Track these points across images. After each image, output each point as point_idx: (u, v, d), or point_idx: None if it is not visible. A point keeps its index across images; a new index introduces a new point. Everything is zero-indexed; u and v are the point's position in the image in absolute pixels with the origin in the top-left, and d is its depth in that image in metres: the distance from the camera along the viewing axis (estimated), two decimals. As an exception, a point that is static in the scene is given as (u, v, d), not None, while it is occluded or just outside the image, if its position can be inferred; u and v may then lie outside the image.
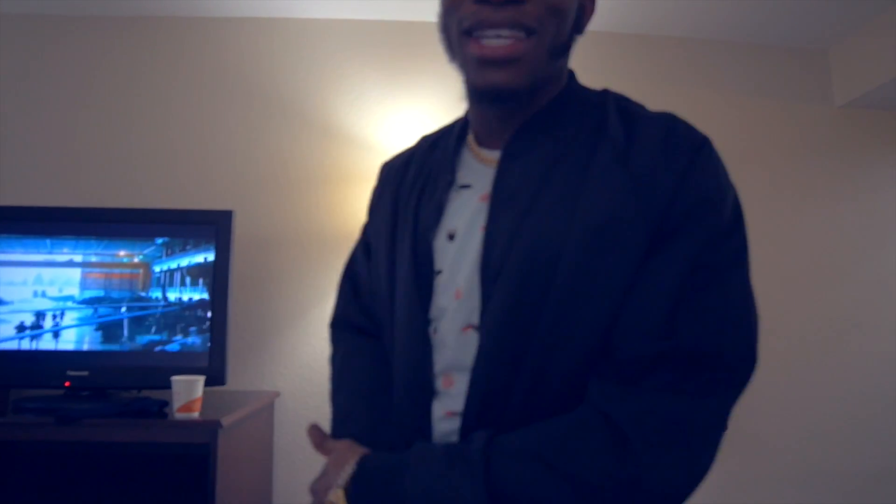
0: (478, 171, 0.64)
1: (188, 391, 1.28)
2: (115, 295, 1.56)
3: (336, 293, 0.87)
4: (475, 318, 0.59)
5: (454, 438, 0.59)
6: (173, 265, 1.59)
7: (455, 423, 0.59)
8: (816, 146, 2.25)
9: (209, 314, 1.55)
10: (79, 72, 1.98)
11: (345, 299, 0.84)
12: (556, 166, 0.58)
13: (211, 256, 1.59)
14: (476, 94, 0.61)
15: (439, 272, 0.63)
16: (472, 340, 0.58)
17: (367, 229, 0.82)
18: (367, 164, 1.99)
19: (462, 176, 0.66)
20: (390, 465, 0.56)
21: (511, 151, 0.61)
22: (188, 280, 1.58)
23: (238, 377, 1.82)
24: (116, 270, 1.57)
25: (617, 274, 0.53)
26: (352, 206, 1.96)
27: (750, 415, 2.01)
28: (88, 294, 1.55)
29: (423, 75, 2.06)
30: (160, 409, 1.34)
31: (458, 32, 0.58)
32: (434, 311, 0.63)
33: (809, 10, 2.06)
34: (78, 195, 1.87)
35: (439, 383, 0.61)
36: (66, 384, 1.47)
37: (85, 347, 1.52)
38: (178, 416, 1.27)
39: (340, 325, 0.83)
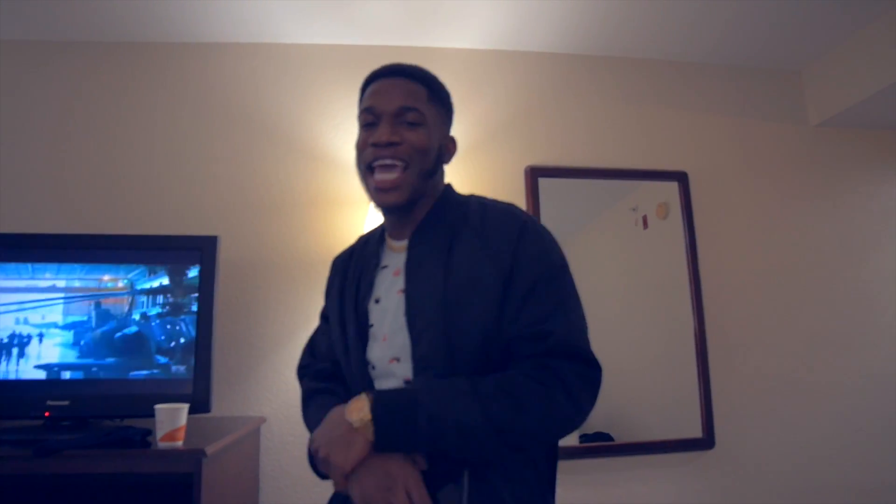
0: (391, 256, 0.95)
1: (171, 419, 1.26)
2: (97, 322, 1.54)
3: (302, 351, 1.14)
4: (397, 352, 0.87)
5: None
6: (157, 291, 1.57)
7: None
8: (792, 164, 2.30)
9: (193, 340, 1.54)
10: (64, 97, 1.98)
11: (306, 356, 1.13)
12: (447, 249, 0.88)
13: (195, 282, 1.58)
14: (383, 212, 0.95)
15: (371, 325, 0.92)
16: (396, 369, 0.87)
17: (325, 307, 1.09)
18: (352, 189, 2.00)
19: (384, 260, 0.97)
20: (405, 394, 0.79)
21: (413, 243, 0.92)
22: (172, 306, 1.57)
23: (223, 403, 1.80)
24: (99, 297, 1.56)
25: (487, 305, 0.83)
26: (338, 229, 1.97)
27: (739, 429, 2.02)
28: (70, 321, 1.54)
29: (407, 99, 2.09)
30: (143, 438, 1.32)
31: (364, 168, 0.90)
32: (370, 353, 0.91)
33: (783, 32, 2.12)
34: (61, 221, 1.86)
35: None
36: (46, 414, 1.45)
37: (65, 376, 1.50)
38: (162, 445, 1.25)
39: (302, 373, 1.10)
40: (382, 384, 0.89)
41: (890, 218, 2.32)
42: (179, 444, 1.26)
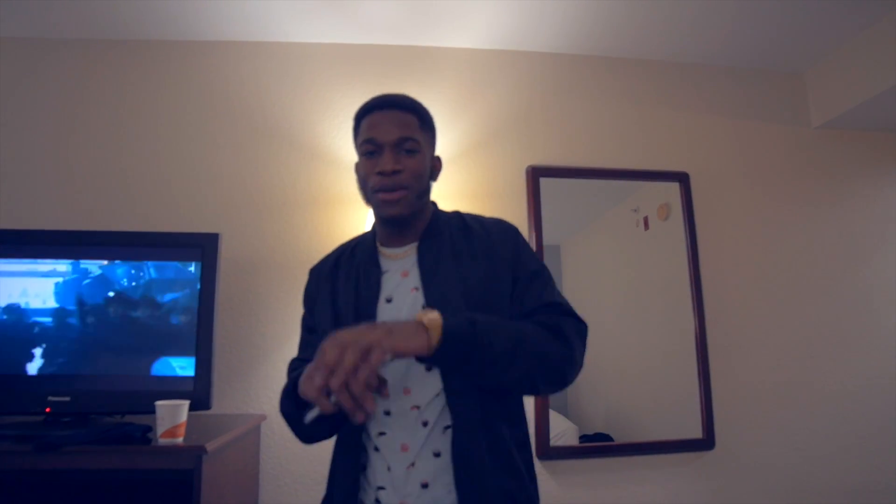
0: (390, 262, 1.05)
1: (172, 416, 1.26)
2: (98, 318, 1.55)
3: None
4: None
5: (423, 418, 0.93)
6: (158, 288, 1.58)
7: (416, 413, 0.92)
8: (793, 166, 2.30)
9: (195, 337, 1.54)
10: (66, 95, 1.99)
11: (294, 368, 1.11)
12: (453, 253, 1.02)
13: (197, 279, 1.58)
14: (383, 221, 1.05)
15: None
16: (413, 364, 0.92)
17: (310, 316, 1.13)
18: (354, 187, 1.99)
19: (383, 265, 1.05)
20: (464, 313, 0.87)
21: (423, 246, 1.04)
22: (173, 303, 1.57)
23: (224, 401, 1.81)
24: (100, 293, 1.56)
25: (503, 294, 1.00)
26: (339, 228, 1.97)
27: (736, 429, 2.02)
28: (72, 317, 1.54)
29: (409, 98, 2.09)
30: (143, 434, 1.32)
31: (371, 192, 1.02)
32: None
33: (786, 34, 2.12)
34: (63, 217, 1.87)
35: (396, 393, 0.94)
36: (47, 410, 1.45)
37: (67, 372, 1.50)
38: (162, 441, 1.25)
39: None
40: (397, 379, 0.93)
41: (891, 221, 2.32)
42: (180, 440, 1.26)
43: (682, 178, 2.16)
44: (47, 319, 1.53)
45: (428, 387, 0.93)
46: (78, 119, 1.97)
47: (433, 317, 0.82)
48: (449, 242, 1.04)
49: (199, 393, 1.49)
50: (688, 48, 2.23)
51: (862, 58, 2.13)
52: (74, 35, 2.02)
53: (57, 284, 1.55)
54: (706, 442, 1.97)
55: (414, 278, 1.00)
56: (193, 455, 1.23)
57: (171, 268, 1.59)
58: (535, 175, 2.06)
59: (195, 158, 1.99)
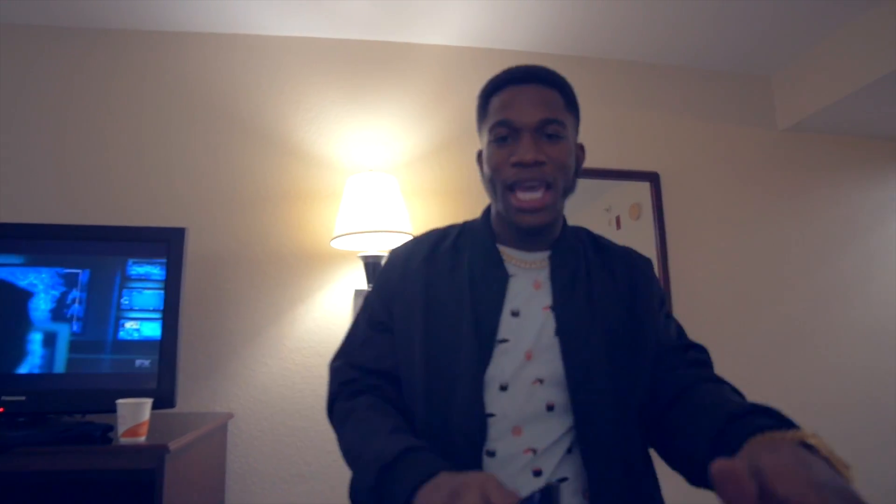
0: (516, 267, 0.86)
1: (134, 414, 1.23)
2: (56, 315, 1.50)
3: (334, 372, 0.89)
4: (543, 373, 0.78)
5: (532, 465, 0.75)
6: (121, 284, 1.53)
7: (528, 456, 0.75)
8: (760, 167, 2.35)
9: (159, 334, 1.50)
10: (29, 83, 1.92)
11: (344, 372, 0.87)
12: (590, 270, 0.87)
13: (162, 274, 1.54)
14: (516, 229, 0.85)
15: (505, 340, 0.80)
16: (539, 391, 0.77)
17: (385, 313, 0.89)
18: (326, 183, 1.98)
19: (507, 269, 0.86)
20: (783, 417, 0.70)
21: (555, 259, 0.87)
22: (137, 299, 1.53)
23: (190, 399, 1.77)
24: (61, 289, 1.51)
25: (653, 328, 0.86)
26: (310, 223, 1.94)
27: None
28: (29, 313, 1.48)
29: (382, 95, 2.07)
30: (104, 433, 1.28)
31: (503, 187, 0.82)
32: (495, 371, 0.78)
33: (754, 37, 2.17)
34: (23, 210, 1.80)
35: (504, 431, 0.76)
36: (0, 410, 1.40)
37: (21, 370, 1.45)
38: (123, 441, 1.21)
39: (347, 392, 0.85)
40: (516, 407, 0.77)
41: (851, 221, 2.39)
42: (142, 439, 1.23)
43: (653, 178, 2.19)
44: (5, 314, 1.47)
45: (548, 430, 0.76)
46: (41, 109, 1.91)
47: (836, 454, 0.51)
48: (584, 259, 0.88)
49: (162, 391, 1.45)
50: (659, 50, 2.26)
51: (826, 63, 2.19)
52: (39, 22, 1.94)
53: (11, 278, 1.49)
54: (674, 438, 2.00)
55: (547, 294, 0.83)
56: (156, 454, 1.20)
57: (136, 263, 1.55)
58: (509, 173, 2.06)
59: (162, 150, 1.94)
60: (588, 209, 2.13)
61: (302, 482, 1.77)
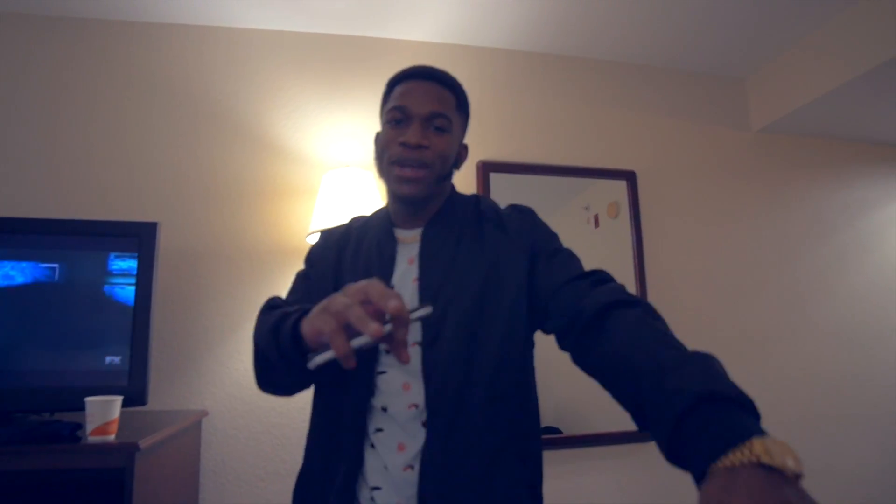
0: (401, 245, 0.97)
1: (103, 412, 1.20)
2: (24, 311, 1.46)
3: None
4: (416, 338, 0.86)
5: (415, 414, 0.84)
6: (92, 279, 1.50)
7: (415, 412, 0.84)
8: (734, 169, 2.39)
9: (130, 330, 1.48)
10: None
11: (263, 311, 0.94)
12: (460, 240, 0.95)
13: (133, 269, 1.51)
14: (397, 199, 0.96)
15: None
16: (415, 352, 0.85)
17: (309, 273, 1.04)
18: (302, 178, 1.96)
19: (396, 247, 0.97)
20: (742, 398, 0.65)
21: (427, 233, 0.96)
22: (107, 294, 1.50)
23: (163, 397, 1.74)
24: (30, 284, 1.47)
25: (516, 287, 0.91)
26: (285, 219, 1.93)
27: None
28: (-5, 310, 1.45)
29: (359, 90, 2.06)
30: (72, 432, 1.25)
31: (388, 163, 0.93)
32: None
33: (728, 38, 2.20)
34: (-12, 204, 1.75)
35: (397, 387, 0.86)
36: (-35, 408, 1.36)
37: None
38: (92, 439, 1.19)
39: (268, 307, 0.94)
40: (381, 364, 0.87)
41: (822, 221, 2.44)
42: (111, 437, 1.21)
43: (630, 177, 2.21)
44: (-33, 311, 1.43)
45: (413, 393, 0.85)
46: (5, 98, 1.86)
47: (788, 451, 0.52)
48: (458, 230, 0.96)
49: (133, 388, 1.43)
50: (637, 50, 2.28)
51: (798, 67, 2.23)
52: (6, 8, 1.89)
53: (-22, 274, 1.45)
54: (646, 434, 2.03)
55: (416, 267, 0.93)
56: (125, 453, 1.17)
57: (106, 258, 1.52)
58: (486, 170, 2.07)
59: (134, 144, 1.90)
60: (567, 207, 2.15)
61: (278, 480, 1.76)
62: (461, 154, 1.01)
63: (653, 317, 0.76)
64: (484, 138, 2.14)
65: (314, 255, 1.05)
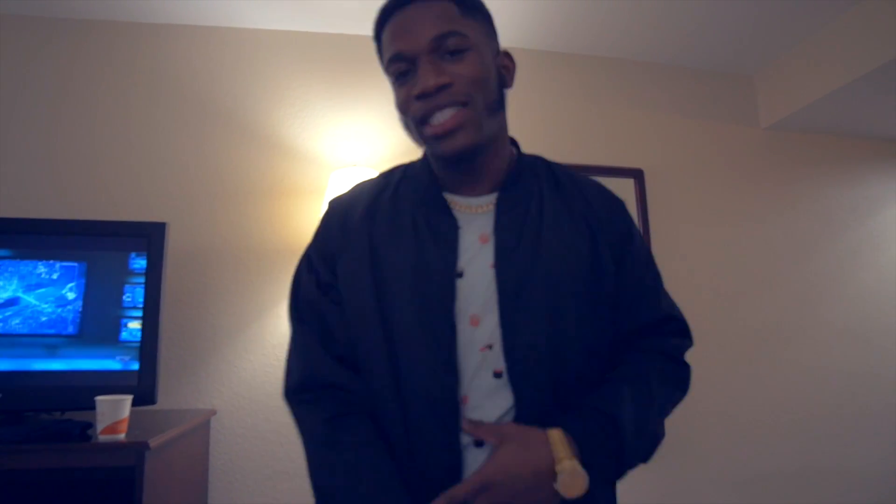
0: (463, 215, 0.76)
1: (113, 411, 1.21)
2: (34, 311, 1.47)
3: (293, 349, 0.79)
4: (491, 339, 0.71)
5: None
6: (101, 279, 1.51)
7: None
8: (742, 166, 2.38)
9: (139, 330, 1.48)
10: (2, 73, 1.88)
11: (314, 354, 0.77)
12: (541, 212, 0.76)
13: (142, 270, 1.52)
14: (443, 161, 0.76)
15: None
16: (488, 357, 0.71)
17: (328, 272, 0.79)
18: (310, 178, 1.96)
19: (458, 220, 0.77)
20: (609, 430, 0.69)
21: (504, 202, 0.76)
22: (117, 295, 1.51)
23: (173, 396, 1.75)
24: (39, 284, 1.48)
25: (607, 288, 0.77)
26: (293, 219, 1.93)
27: (686, 420, 2.08)
28: (7, 308, 1.46)
29: (367, 89, 2.06)
30: (82, 431, 1.26)
31: (416, 125, 0.74)
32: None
33: (736, 35, 2.18)
34: (2, 204, 1.76)
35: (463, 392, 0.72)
36: (-24, 407, 1.37)
37: (-2, 367, 1.42)
38: (102, 438, 1.20)
39: (315, 389, 0.75)
40: (466, 375, 0.70)
41: (832, 218, 2.42)
42: (121, 436, 1.21)
43: (637, 175, 2.20)
44: (-21, 311, 1.45)
45: (495, 401, 0.71)
46: (15, 99, 1.86)
47: (575, 479, 0.64)
48: (538, 201, 0.77)
49: (143, 387, 1.44)
50: (645, 48, 2.27)
51: (807, 63, 2.22)
52: (13, 11, 1.90)
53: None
54: (657, 432, 2.02)
55: (492, 248, 0.73)
56: (135, 451, 1.18)
57: (115, 258, 1.52)
58: (494, 169, 2.06)
59: (142, 144, 1.91)
60: (573, 205, 2.14)
61: (286, 479, 1.76)
62: (506, 66, 0.79)
63: (661, 380, 0.77)
64: (491, 137, 2.13)
65: (332, 241, 0.80)
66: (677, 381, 0.80)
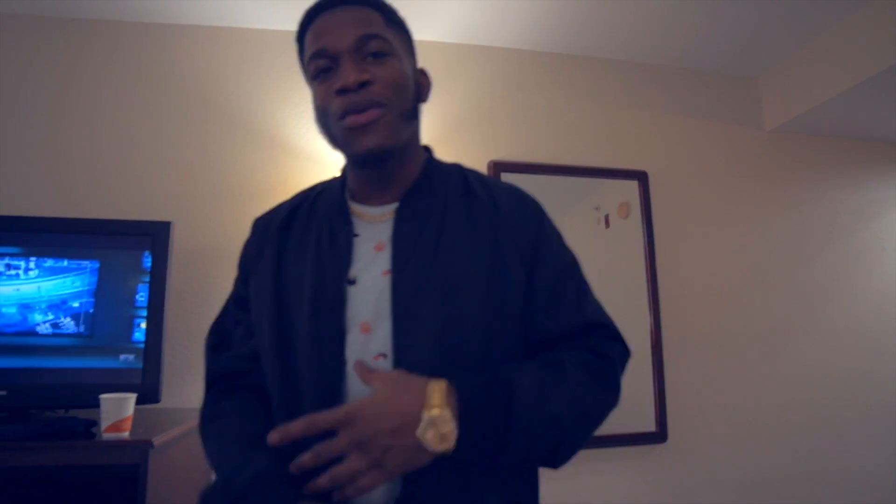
0: (364, 225, 0.77)
1: (117, 409, 1.22)
2: (38, 309, 1.48)
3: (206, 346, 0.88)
4: (384, 348, 0.70)
5: None
6: (105, 278, 1.51)
7: None
8: (746, 169, 2.38)
9: (144, 328, 1.49)
10: (6, 72, 1.89)
11: (211, 360, 0.88)
12: (443, 221, 0.75)
13: (147, 268, 1.52)
14: (357, 159, 0.75)
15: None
16: (382, 366, 0.69)
17: (243, 286, 0.85)
18: (313, 177, 1.95)
19: (356, 228, 0.78)
20: (499, 393, 0.65)
21: (405, 209, 0.76)
22: (121, 293, 1.51)
23: (177, 395, 1.75)
24: (43, 282, 1.49)
25: (512, 297, 0.74)
26: (298, 218, 1.93)
27: (689, 421, 2.08)
28: (11, 307, 1.46)
29: (372, 89, 2.06)
30: (86, 429, 1.27)
31: (336, 121, 0.72)
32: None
33: (740, 37, 2.18)
34: (3, 203, 1.77)
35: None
36: (-19, 404, 1.38)
37: (2, 364, 1.43)
38: (106, 436, 1.20)
39: (216, 382, 0.85)
40: (357, 385, 0.69)
41: (836, 221, 2.42)
42: (125, 434, 1.22)
43: (641, 177, 2.20)
44: (-16, 309, 1.45)
45: None
46: (18, 98, 1.87)
47: (439, 428, 0.60)
48: (441, 209, 0.76)
49: (147, 386, 1.44)
50: (649, 49, 2.27)
51: (811, 66, 2.21)
52: (16, 10, 1.91)
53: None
54: (659, 435, 2.02)
55: (388, 255, 0.73)
56: (139, 450, 1.19)
57: (120, 256, 1.53)
58: (497, 170, 2.07)
59: (146, 143, 1.92)
60: (577, 207, 2.14)
61: (288, 478, 1.76)
62: (421, 82, 0.82)
63: (578, 366, 0.71)
64: (495, 138, 2.13)
65: (248, 257, 0.85)
66: (601, 375, 0.72)
